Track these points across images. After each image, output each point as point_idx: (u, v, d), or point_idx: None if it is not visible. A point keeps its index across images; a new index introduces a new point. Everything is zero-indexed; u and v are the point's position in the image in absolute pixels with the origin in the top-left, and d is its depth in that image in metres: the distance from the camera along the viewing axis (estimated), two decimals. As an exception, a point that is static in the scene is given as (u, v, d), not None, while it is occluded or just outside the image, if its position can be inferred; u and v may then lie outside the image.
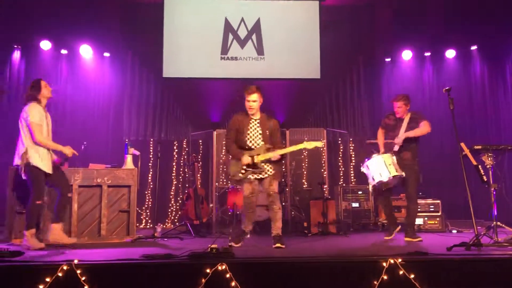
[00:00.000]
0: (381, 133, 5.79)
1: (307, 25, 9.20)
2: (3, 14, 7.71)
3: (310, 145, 4.88)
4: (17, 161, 4.75)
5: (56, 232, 4.73)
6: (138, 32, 8.89)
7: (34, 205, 4.62)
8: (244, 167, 4.77)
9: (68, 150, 4.90)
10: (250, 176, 4.79)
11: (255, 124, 4.87)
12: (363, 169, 5.47)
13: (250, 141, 4.83)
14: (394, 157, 5.30)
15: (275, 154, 4.73)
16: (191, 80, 9.05)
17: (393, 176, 5.16)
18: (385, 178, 5.18)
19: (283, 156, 4.89)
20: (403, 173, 5.25)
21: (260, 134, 4.84)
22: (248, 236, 4.99)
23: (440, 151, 8.39)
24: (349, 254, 4.21)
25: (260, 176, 4.82)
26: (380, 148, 5.66)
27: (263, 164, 4.78)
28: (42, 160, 4.71)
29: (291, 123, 8.55)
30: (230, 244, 4.64)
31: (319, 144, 4.94)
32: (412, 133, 5.45)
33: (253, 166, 4.76)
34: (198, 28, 9.09)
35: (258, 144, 4.83)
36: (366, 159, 5.39)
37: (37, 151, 4.70)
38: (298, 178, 8.59)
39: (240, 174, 4.80)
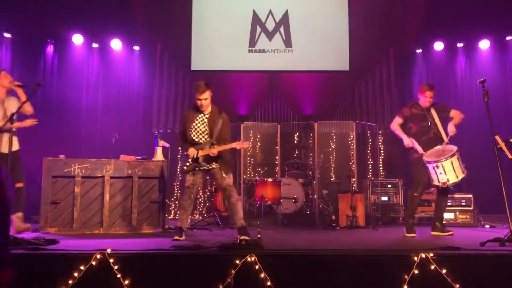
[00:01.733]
0: (399, 124, 5.52)
1: (335, 16, 9.09)
2: (37, 8, 7.89)
3: (239, 145, 4.84)
4: None
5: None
6: (167, 26, 8.96)
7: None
8: (190, 160, 4.83)
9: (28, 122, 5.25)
10: (194, 170, 4.82)
11: (203, 119, 4.85)
12: (432, 166, 5.07)
13: (196, 136, 4.85)
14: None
15: (213, 151, 4.70)
16: (219, 73, 9.09)
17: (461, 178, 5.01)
18: (454, 179, 5.00)
19: (226, 152, 4.83)
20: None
21: (205, 129, 4.84)
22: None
23: (472, 144, 8.15)
24: (379, 247, 4.17)
25: (205, 168, 4.83)
26: (405, 137, 5.37)
27: (205, 160, 4.77)
28: None
29: (319, 116, 8.50)
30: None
31: (245, 145, 4.93)
32: (459, 121, 5.32)
33: (195, 160, 4.80)
34: (226, 21, 9.10)
35: (205, 139, 4.84)
36: (448, 157, 4.98)
37: None
38: (326, 171, 8.54)
39: (185, 167, 4.88)
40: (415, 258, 3.36)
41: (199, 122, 4.85)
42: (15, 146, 5.20)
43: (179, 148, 5.17)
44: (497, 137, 4.47)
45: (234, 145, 4.81)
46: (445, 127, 5.34)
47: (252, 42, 9.07)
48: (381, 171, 8.65)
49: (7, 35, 8.05)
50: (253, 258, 3.36)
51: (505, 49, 8.47)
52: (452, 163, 4.92)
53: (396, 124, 5.53)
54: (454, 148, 5.06)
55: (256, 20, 9.11)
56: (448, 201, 6.81)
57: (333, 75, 9.09)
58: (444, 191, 5.41)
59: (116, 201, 5.55)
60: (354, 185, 7.42)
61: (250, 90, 9.19)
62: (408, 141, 5.34)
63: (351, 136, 8.33)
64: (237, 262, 3.34)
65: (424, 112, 5.42)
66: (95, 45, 8.75)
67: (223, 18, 9.11)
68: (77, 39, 8.53)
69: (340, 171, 8.39)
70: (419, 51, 8.97)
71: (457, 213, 6.74)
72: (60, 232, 5.22)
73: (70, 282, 3.29)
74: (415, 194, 5.34)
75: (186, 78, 9.03)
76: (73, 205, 5.38)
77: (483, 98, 4.48)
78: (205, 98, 4.79)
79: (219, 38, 9.05)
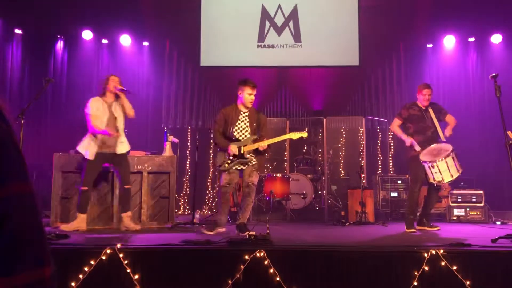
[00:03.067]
0: (398, 125, 5.61)
1: (345, 10, 9.02)
2: (47, 5, 7.93)
3: (295, 135, 4.94)
4: None
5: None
6: (176, 21, 8.96)
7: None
8: (231, 157, 4.82)
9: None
10: (236, 166, 4.84)
11: (244, 117, 4.95)
12: (428, 165, 5.14)
13: (238, 133, 4.89)
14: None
15: (262, 144, 4.77)
16: (228, 68, 9.08)
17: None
18: (449, 178, 5.07)
19: (268, 149, 4.92)
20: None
21: (247, 126, 4.92)
22: (224, 229, 4.86)
23: (484, 140, 8.10)
24: (388, 243, 4.15)
25: (245, 166, 4.88)
26: (406, 138, 5.45)
27: (249, 154, 4.85)
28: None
29: (328, 111, 8.46)
30: (202, 231, 4.79)
31: (304, 134, 5.00)
32: (453, 127, 5.45)
33: (240, 156, 4.81)
34: (235, 16, 9.08)
35: (245, 136, 4.89)
36: (443, 157, 5.05)
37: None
38: (336, 167, 8.51)
39: (226, 164, 4.84)
40: (425, 255, 3.35)
41: (240, 120, 4.93)
42: (126, 148, 5.17)
43: (214, 145, 5.28)
44: (509, 132, 4.42)
45: (291, 135, 4.91)
46: (443, 127, 5.46)
47: (261, 37, 9.04)
48: (390, 166, 8.60)
49: (18, 31, 8.10)
50: (262, 254, 3.36)
51: (518, 43, 8.35)
52: (447, 163, 5.01)
53: (395, 125, 5.64)
54: (449, 147, 5.14)
55: (265, 15, 9.07)
56: (459, 197, 6.81)
57: (342, 70, 9.04)
58: (435, 188, 5.48)
59: (126, 196, 5.57)
60: (364, 181, 7.39)
61: (259, 85, 9.11)
62: (407, 141, 5.43)
63: (361, 131, 8.29)
64: (246, 257, 3.35)
65: (422, 112, 5.52)
66: (104, 41, 8.78)
67: (232, 13, 9.09)
68: (87, 34, 8.56)
69: (350, 167, 8.36)
70: (429, 45, 8.87)
71: (468, 209, 6.69)
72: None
73: (81, 276, 3.32)
74: (414, 190, 5.45)
75: (195, 74, 9.03)
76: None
77: (495, 93, 4.42)
78: (255, 94, 4.96)
79: (228, 34, 9.03)
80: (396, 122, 5.63)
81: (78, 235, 4.43)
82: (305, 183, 7.32)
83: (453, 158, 5.05)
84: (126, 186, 5.09)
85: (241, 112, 4.96)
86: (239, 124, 4.91)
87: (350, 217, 6.66)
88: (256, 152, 4.89)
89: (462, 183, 7.10)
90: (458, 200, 6.81)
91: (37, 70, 8.05)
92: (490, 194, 6.91)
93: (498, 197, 7.19)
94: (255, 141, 4.85)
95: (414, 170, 5.44)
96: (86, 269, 3.34)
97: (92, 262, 3.35)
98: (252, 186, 4.88)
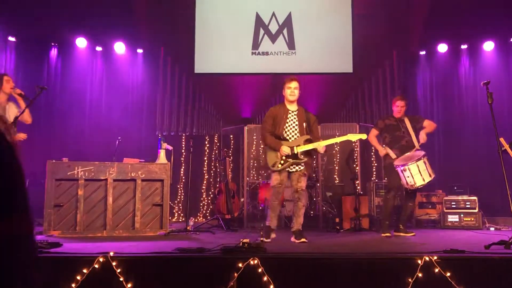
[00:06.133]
0: (375, 135, 5.86)
1: (339, 18, 9.08)
2: (41, 12, 7.92)
3: (354, 137, 4.93)
4: None
5: None
6: (170, 29, 8.98)
7: None
8: (284, 157, 4.73)
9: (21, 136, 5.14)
10: (290, 167, 4.77)
11: (293, 116, 4.88)
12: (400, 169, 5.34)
13: (286, 133, 4.83)
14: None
15: (320, 145, 4.71)
16: (222, 75, 9.10)
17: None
18: (421, 182, 5.23)
19: (314, 153, 4.92)
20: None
21: (296, 125, 4.85)
22: (274, 235, 4.87)
23: (477, 147, 8.14)
24: (382, 250, 4.15)
25: (296, 168, 4.80)
26: (380, 147, 5.78)
27: (302, 155, 4.75)
28: None
29: (323, 118, 8.46)
30: (261, 239, 4.62)
31: (363, 136, 4.98)
32: (431, 130, 5.69)
33: (293, 156, 4.73)
34: (229, 23, 9.11)
35: (293, 136, 4.82)
36: (414, 161, 5.24)
37: None
38: (330, 174, 8.51)
39: (279, 165, 4.74)
40: (419, 261, 3.34)
41: (290, 119, 4.87)
42: None
43: (264, 145, 5.10)
44: (502, 139, 4.45)
45: (349, 136, 4.88)
46: (418, 136, 5.64)
47: (256, 44, 9.07)
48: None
49: (11, 38, 8.08)
50: (256, 261, 3.34)
51: (510, 51, 8.40)
52: (418, 167, 5.19)
53: (372, 135, 5.87)
54: (421, 153, 5.36)
55: (259, 22, 9.11)
56: (453, 203, 6.83)
57: (336, 77, 9.08)
58: (411, 195, 5.69)
59: (119, 204, 5.55)
60: (358, 187, 7.40)
61: (253, 92, 9.19)
62: (382, 151, 5.74)
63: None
64: (240, 265, 3.33)
65: (398, 122, 5.76)
66: (98, 48, 8.77)
67: (226, 21, 9.12)
68: (81, 42, 8.55)
69: (344, 174, 8.36)
70: (422, 53, 8.94)
71: (462, 215, 6.71)
72: (64, 235, 5.22)
73: (73, 285, 3.29)
74: (387, 197, 5.70)
75: (190, 81, 9.04)
76: (76, 208, 5.38)
77: (487, 100, 4.46)
78: (295, 87, 4.88)
79: (222, 41, 9.06)
80: (373, 132, 5.88)
81: (71, 243, 4.39)
82: (300, 190, 7.30)
83: (424, 162, 5.23)
84: None
85: (290, 111, 4.90)
86: (288, 123, 4.85)
87: (345, 223, 6.65)
88: (307, 153, 4.80)
89: (456, 188, 7.12)
90: (452, 206, 6.83)
91: (30, 78, 8.01)
92: (484, 200, 6.94)
93: (492, 203, 7.21)
94: (307, 141, 4.77)
95: (389, 177, 5.75)
96: (78, 277, 3.31)
97: (84, 271, 3.33)
98: (302, 191, 4.83)
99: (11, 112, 5.06)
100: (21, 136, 5.12)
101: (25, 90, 7.99)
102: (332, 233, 6.14)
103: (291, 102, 4.92)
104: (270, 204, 4.94)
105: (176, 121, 8.97)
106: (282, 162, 4.73)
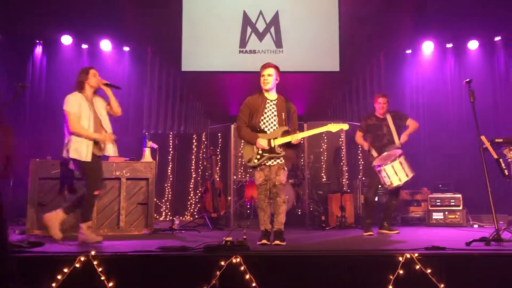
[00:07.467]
0: (361, 136, 5.92)
1: (326, 17, 9.08)
2: (25, 9, 7.82)
3: (335, 127, 4.53)
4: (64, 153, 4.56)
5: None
6: (157, 26, 8.90)
7: (92, 196, 4.53)
8: (260, 151, 4.41)
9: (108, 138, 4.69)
10: (266, 161, 4.42)
11: (271, 106, 4.52)
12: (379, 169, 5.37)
13: (264, 124, 4.48)
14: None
15: (296, 137, 4.37)
16: (210, 73, 9.07)
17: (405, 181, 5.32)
18: (397, 182, 5.29)
19: (299, 144, 4.58)
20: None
21: (275, 116, 4.49)
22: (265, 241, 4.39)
23: (462, 144, 8.21)
24: (364, 248, 4.17)
25: (275, 162, 4.44)
26: (369, 148, 5.78)
27: (280, 148, 4.41)
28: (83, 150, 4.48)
29: (309, 116, 8.49)
30: (262, 241, 4.37)
31: (345, 126, 4.61)
32: (413, 130, 5.77)
33: (270, 150, 4.39)
34: (216, 21, 9.08)
35: (272, 128, 4.47)
36: (389, 162, 5.27)
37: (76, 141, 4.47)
38: (317, 172, 8.54)
39: (255, 160, 4.42)
40: (400, 258, 3.36)
41: (268, 109, 4.50)
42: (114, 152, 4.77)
43: (239, 137, 4.77)
44: (483, 137, 4.50)
45: (329, 127, 4.51)
46: (400, 134, 5.73)
47: (243, 42, 9.06)
48: (371, 171, 8.65)
49: (-5, 36, 7.98)
50: (238, 259, 3.35)
51: (493, 50, 8.49)
52: (393, 167, 5.25)
53: (359, 137, 5.98)
54: (398, 153, 5.39)
55: (246, 20, 9.09)
56: (438, 201, 6.89)
57: (323, 75, 9.09)
58: (395, 193, 5.72)
59: (104, 202, 5.52)
60: (345, 185, 7.44)
61: (240, 90, 9.15)
62: (366, 146, 5.82)
63: (342, 136, 8.34)
64: (222, 263, 3.33)
65: (380, 121, 5.82)
66: (84, 46, 8.68)
67: (214, 18, 9.09)
68: (66, 39, 8.46)
69: (331, 172, 8.39)
70: (408, 51, 8.99)
71: (446, 212, 6.77)
72: (47, 235, 5.16)
73: (54, 285, 3.27)
74: (368, 195, 5.78)
75: (177, 79, 9.00)
76: (60, 207, 5.33)
77: (469, 98, 4.50)
78: (268, 74, 4.53)
79: (210, 39, 9.02)
80: (359, 134, 5.97)
81: (53, 243, 4.36)
82: (287, 188, 7.32)
83: (400, 162, 5.27)
84: (96, 193, 4.59)
85: (268, 101, 4.53)
86: (266, 113, 4.48)
87: (331, 221, 6.69)
88: (286, 145, 4.42)
89: (440, 186, 7.19)
90: (437, 204, 6.89)
91: (15, 75, 7.91)
92: (469, 197, 7.01)
93: (476, 201, 7.27)
94: (285, 133, 4.42)
95: (370, 177, 5.85)
96: (59, 277, 3.28)
97: (65, 270, 3.30)
98: (280, 185, 4.42)
99: (100, 106, 4.73)
100: (108, 137, 4.70)
101: (9, 88, 7.97)
102: (317, 230, 6.18)
103: (267, 90, 4.56)
104: (258, 205, 4.52)
105: (163, 119, 8.93)
106: (258, 156, 4.41)
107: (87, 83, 4.66)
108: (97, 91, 4.79)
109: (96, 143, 4.55)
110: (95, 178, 4.55)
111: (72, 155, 4.43)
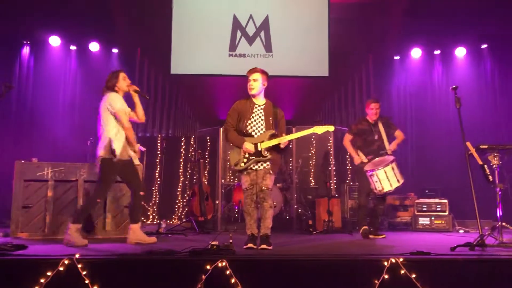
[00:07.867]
0: (349, 140, 5.90)
1: (315, 22, 9.13)
2: (12, 9, 7.75)
3: (320, 129, 4.52)
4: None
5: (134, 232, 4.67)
6: (147, 28, 8.89)
7: (95, 201, 4.55)
8: (247, 155, 4.42)
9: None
10: (253, 165, 4.42)
11: (259, 110, 4.54)
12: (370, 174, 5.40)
13: (251, 128, 4.50)
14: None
15: (283, 140, 4.38)
16: (199, 77, 9.06)
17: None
18: (388, 187, 5.31)
19: (287, 148, 4.60)
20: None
21: (262, 120, 4.51)
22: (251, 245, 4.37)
23: (449, 150, 8.29)
24: (350, 252, 4.18)
25: (262, 166, 4.44)
26: (355, 155, 5.80)
27: (267, 152, 4.42)
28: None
29: (298, 121, 8.52)
30: (249, 245, 4.36)
31: (330, 128, 4.56)
32: (400, 141, 5.88)
33: (257, 154, 4.39)
34: (206, 25, 9.08)
35: (259, 132, 4.49)
36: (382, 167, 5.30)
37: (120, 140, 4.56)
38: (306, 176, 8.55)
39: (242, 164, 4.42)
40: (385, 263, 3.37)
41: (255, 114, 4.52)
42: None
43: (226, 141, 4.81)
44: (468, 143, 4.54)
45: (315, 129, 4.49)
46: (390, 140, 5.79)
47: (233, 46, 9.07)
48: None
49: (-19, 36, 7.90)
50: (224, 264, 3.33)
51: (480, 57, 8.62)
52: (385, 173, 5.26)
53: (346, 140, 5.94)
54: (390, 158, 5.42)
55: (236, 24, 9.11)
56: (424, 206, 6.94)
57: (312, 80, 9.14)
58: (381, 198, 5.75)
59: (90, 205, 5.45)
60: (333, 190, 7.46)
61: (230, 94, 9.15)
62: (357, 160, 5.77)
63: (330, 141, 8.37)
64: (208, 267, 3.31)
65: (371, 127, 5.80)
66: (72, 47, 8.64)
67: (204, 22, 9.09)
68: (54, 41, 8.41)
69: (319, 176, 8.41)
70: (397, 57, 9.08)
71: (433, 218, 6.82)
72: (32, 237, 5.11)
73: (36, 288, 3.23)
74: (361, 200, 5.79)
75: (166, 82, 8.98)
76: (45, 209, 5.29)
77: (455, 104, 4.55)
78: (254, 79, 4.56)
79: (199, 42, 9.02)
80: (347, 137, 5.93)
81: (37, 246, 4.31)
82: (275, 192, 7.31)
83: (392, 168, 5.29)
84: (142, 193, 4.70)
85: (256, 105, 4.55)
86: (253, 118, 4.50)
87: (318, 225, 6.70)
88: (273, 149, 4.44)
89: (427, 191, 7.24)
90: (423, 209, 6.94)
91: (1, 76, 7.83)
92: (455, 203, 7.07)
93: (462, 206, 7.34)
94: (272, 136, 4.44)
95: (360, 181, 5.84)
96: (42, 280, 3.23)
97: (49, 274, 3.26)
98: (266, 190, 4.42)
99: (127, 111, 4.77)
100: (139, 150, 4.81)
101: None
102: (305, 235, 6.17)
103: (253, 96, 4.59)
104: (245, 209, 4.52)
105: (151, 122, 8.90)
106: (245, 160, 4.41)
107: (118, 86, 4.69)
108: (124, 96, 4.80)
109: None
110: (138, 179, 4.75)
111: (122, 155, 4.53)
